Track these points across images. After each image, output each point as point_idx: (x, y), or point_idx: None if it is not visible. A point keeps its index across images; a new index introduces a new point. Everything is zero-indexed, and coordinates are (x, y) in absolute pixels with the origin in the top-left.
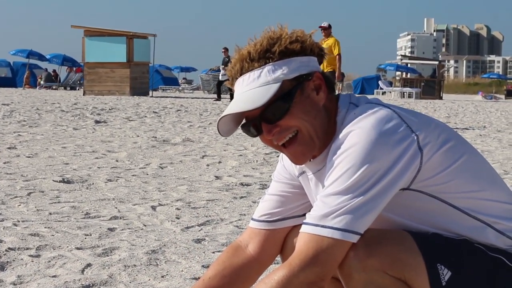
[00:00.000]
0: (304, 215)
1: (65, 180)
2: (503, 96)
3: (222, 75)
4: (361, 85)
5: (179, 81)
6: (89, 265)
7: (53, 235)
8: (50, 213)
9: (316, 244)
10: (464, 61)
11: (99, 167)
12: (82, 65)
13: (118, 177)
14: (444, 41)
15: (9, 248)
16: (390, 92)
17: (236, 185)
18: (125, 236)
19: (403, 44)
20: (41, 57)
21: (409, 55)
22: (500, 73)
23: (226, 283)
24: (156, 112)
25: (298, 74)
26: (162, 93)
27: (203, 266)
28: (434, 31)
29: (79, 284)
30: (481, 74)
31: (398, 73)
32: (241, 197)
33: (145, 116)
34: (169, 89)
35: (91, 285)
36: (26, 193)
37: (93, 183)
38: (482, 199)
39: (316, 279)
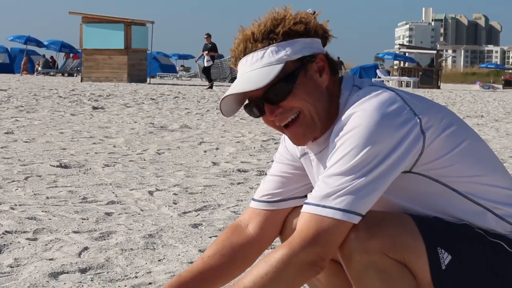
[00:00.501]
0: (305, 196)
1: (62, 165)
2: (500, 86)
3: (207, 61)
4: (359, 74)
5: (177, 68)
6: (86, 248)
7: (50, 219)
8: (47, 197)
9: (317, 224)
10: (462, 51)
11: (96, 153)
12: (80, 51)
13: (115, 162)
14: (442, 30)
15: (6, 232)
16: (388, 81)
17: (233, 171)
18: (122, 221)
19: (401, 33)
20: (39, 44)
21: (407, 44)
22: (498, 63)
23: (225, 262)
24: (153, 99)
25: (302, 55)
26: (160, 80)
27: (200, 250)
28: (432, 20)
29: (76, 267)
30: (479, 64)
31: (396, 62)
32: (238, 183)
33: (143, 103)
34: (167, 76)
35: (88, 268)
36: (23, 178)
37: (90, 168)
38: (483, 184)
39: (317, 259)
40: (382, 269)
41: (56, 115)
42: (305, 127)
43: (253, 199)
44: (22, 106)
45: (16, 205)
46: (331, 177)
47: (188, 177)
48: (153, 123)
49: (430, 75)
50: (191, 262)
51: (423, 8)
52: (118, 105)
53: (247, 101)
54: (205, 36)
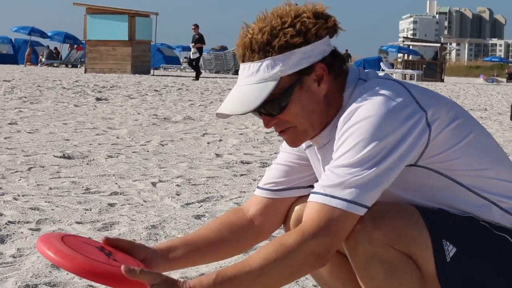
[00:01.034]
0: (309, 187)
1: (66, 155)
2: (504, 79)
3: (193, 53)
4: (362, 67)
5: (181, 60)
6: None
7: (53, 210)
8: (50, 188)
9: (327, 214)
10: (466, 44)
11: (99, 144)
12: (84, 43)
13: (118, 153)
14: (446, 23)
15: (9, 222)
16: (392, 74)
17: (236, 162)
18: (125, 212)
19: (405, 26)
20: (42, 34)
21: (411, 37)
22: (502, 56)
23: (219, 238)
24: (157, 91)
25: (298, 69)
26: (164, 72)
27: None
28: (436, 13)
29: None
30: (483, 57)
31: (400, 55)
32: (241, 175)
33: (146, 94)
34: (171, 68)
35: None
36: (26, 168)
37: (93, 159)
38: (488, 177)
39: (325, 250)
40: (387, 261)
41: (60, 106)
42: (298, 136)
43: (257, 187)
44: (25, 97)
45: (19, 196)
46: (339, 168)
47: (191, 168)
48: (157, 115)
49: (434, 68)
50: None
51: (428, 1)
52: (121, 97)
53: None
54: (193, 27)
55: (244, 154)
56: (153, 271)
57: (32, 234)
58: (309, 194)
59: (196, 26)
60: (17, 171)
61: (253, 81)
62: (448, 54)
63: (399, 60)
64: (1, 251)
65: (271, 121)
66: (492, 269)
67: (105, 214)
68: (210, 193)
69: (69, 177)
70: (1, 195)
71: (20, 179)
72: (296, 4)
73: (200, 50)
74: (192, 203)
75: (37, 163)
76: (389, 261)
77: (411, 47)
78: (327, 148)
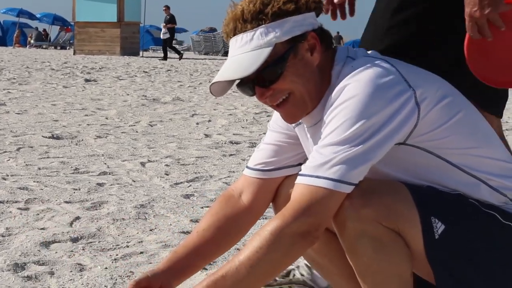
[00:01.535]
0: (299, 165)
1: (55, 136)
2: None
3: (163, 33)
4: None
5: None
6: (77, 218)
7: (42, 189)
8: (39, 168)
9: (310, 195)
10: None
11: (88, 124)
12: (72, 24)
13: (107, 134)
14: None
15: None
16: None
17: (225, 143)
18: (114, 191)
19: None
20: (31, 16)
21: None
22: None
23: (220, 235)
24: (146, 72)
25: (292, 36)
26: (153, 54)
27: (191, 220)
28: None
29: (67, 236)
30: None
31: None
32: (231, 155)
33: (135, 76)
34: (160, 50)
35: (79, 237)
36: (15, 148)
37: (82, 140)
38: (477, 155)
39: (310, 229)
40: (375, 237)
41: (49, 87)
42: (296, 107)
43: (247, 167)
44: (14, 79)
45: (8, 176)
46: (325, 147)
47: (180, 148)
48: (146, 96)
49: None
50: (183, 232)
51: None
52: (110, 78)
53: (238, 81)
54: (164, 8)
55: (233, 134)
56: None
57: (21, 214)
58: (298, 173)
59: (167, 7)
60: (5, 152)
61: (248, 49)
62: None
63: None
64: None
65: (265, 92)
66: (480, 246)
67: (94, 193)
68: (199, 173)
69: (58, 157)
70: None
71: (9, 159)
72: None
73: (171, 31)
74: (181, 182)
75: (26, 144)
76: (378, 238)
77: None
78: (316, 128)
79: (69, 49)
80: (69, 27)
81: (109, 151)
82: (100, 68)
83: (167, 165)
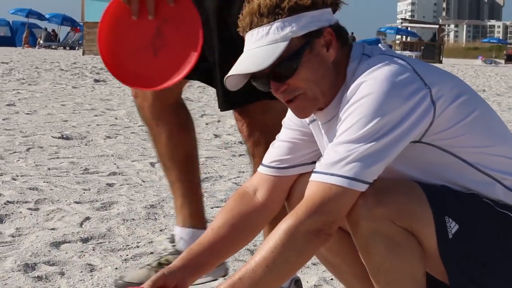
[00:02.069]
0: (313, 163)
1: (64, 136)
2: (503, 61)
3: None
4: None
5: None
6: (87, 218)
7: (51, 190)
8: (49, 168)
9: (324, 192)
10: (465, 26)
11: (98, 125)
12: (81, 25)
13: (117, 134)
14: (444, 5)
15: (7, 202)
16: None
17: (235, 143)
18: (123, 191)
19: (404, 7)
20: (40, 17)
21: (409, 18)
22: (500, 38)
23: (234, 232)
24: None
25: (308, 31)
26: None
27: None
28: None
29: (77, 236)
30: (481, 38)
31: (398, 36)
32: (240, 155)
33: None
34: None
35: (89, 237)
36: (25, 149)
37: (92, 140)
38: (492, 154)
39: (323, 227)
40: (389, 237)
41: (58, 87)
42: (308, 103)
43: (262, 164)
44: (23, 79)
45: (17, 176)
46: (340, 145)
47: None
48: None
49: (432, 49)
50: None
51: None
52: None
53: (253, 75)
54: None
55: None
56: None
57: (31, 214)
58: (312, 171)
59: None
60: (15, 152)
61: (264, 43)
62: (446, 36)
63: (397, 41)
64: (0, 230)
65: (280, 87)
66: (494, 247)
67: (103, 194)
68: (209, 173)
69: (68, 157)
70: (0, 175)
71: (19, 160)
72: None
73: None
74: None
75: (36, 144)
76: (391, 237)
77: (409, 28)
78: (331, 124)
79: (78, 49)
80: (78, 27)
81: (119, 152)
82: None
83: None
